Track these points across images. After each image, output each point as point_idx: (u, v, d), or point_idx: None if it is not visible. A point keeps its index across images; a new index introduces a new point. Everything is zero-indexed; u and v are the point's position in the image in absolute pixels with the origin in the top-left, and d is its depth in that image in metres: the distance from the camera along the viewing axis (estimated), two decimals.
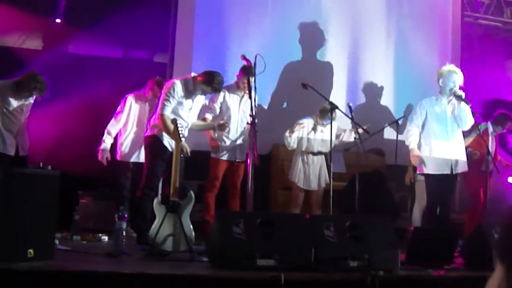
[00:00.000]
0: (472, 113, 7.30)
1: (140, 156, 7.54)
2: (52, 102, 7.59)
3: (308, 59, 9.50)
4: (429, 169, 7.15)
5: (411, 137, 7.24)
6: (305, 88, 7.22)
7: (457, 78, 7.16)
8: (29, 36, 9.48)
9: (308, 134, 7.85)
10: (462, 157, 7.21)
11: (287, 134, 7.79)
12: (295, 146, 7.83)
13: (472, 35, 11.20)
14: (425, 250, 5.72)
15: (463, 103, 7.06)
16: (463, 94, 7.05)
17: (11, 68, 7.81)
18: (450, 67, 7.23)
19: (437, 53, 10.15)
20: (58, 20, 9.30)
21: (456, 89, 7.10)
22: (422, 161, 7.12)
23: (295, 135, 7.78)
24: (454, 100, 7.14)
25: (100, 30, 9.00)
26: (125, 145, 7.70)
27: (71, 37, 9.56)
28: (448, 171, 7.07)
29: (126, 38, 9.65)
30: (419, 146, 7.18)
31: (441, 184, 7.11)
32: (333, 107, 7.22)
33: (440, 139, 7.13)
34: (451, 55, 10.29)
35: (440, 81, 7.19)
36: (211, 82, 6.57)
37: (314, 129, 7.86)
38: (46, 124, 8.17)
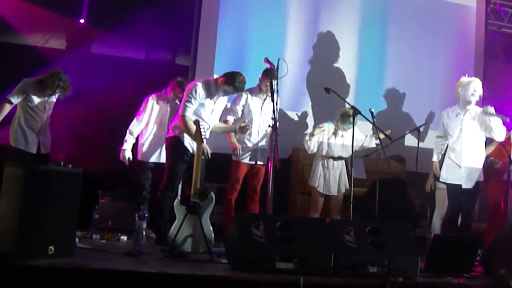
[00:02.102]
0: (502, 117, 7.26)
1: (161, 157, 7.55)
2: (74, 101, 7.63)
3: (330, 63, 9.47)
4: (450, 179, 7.14)
5: (434, 150, 7.46)
6: (328, 92, 7.18)
7: (476, 86, 7.16)
8: (53, 36, 9.55)
9: (328, 138, 7.81)
10: (480, 166, 7.21)
11: (307, 137, 7.76)
12: (315, 150, 7.80)
13: (496, 43, 11.14)
14: (445, 258, 5.68)
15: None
16: (492, 110, 7.06)
17: (34, 67, 7.86)
18: (469, 78, 7.25)
19: (461, 61, 10.09)
20: (81, 21, 9.37)
21: (488, 108, 7.10)
22: (439, 175, 7.27)
23: (315, 139, 7.75)
24: (473, 113, 7.11)
25: (123, 31, 9.04)
26: (146, 145, 7.71)
27: (94, 38, 9.62)
28: (465, 185, 7.08)
29: (149, 39, 9.70)
30: (441, 157, 7.22)
31: (463, 193, 7.09)
32: (356, 112, 7.17)
33: (460, 149, 7.11)
34: (474, 63, 10.24)
35: (460, 89, 7.20)
36: (233, 81, 6.57)
37: (335, 133, 7.83)
38: (68, 123, 8.21)
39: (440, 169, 7.37)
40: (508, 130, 8.25)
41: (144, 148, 7.71)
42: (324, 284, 4.85)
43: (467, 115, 7.16)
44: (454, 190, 7.16)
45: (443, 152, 7.34)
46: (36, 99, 6.94)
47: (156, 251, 5.92)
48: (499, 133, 7.18)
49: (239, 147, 7.31)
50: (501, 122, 7.15)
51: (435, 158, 7.44)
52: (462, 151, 7.13)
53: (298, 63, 9.01)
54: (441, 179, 7.38)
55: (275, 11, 9.33)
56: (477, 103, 7.29)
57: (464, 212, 7.16)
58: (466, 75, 7.33)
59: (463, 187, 7.10)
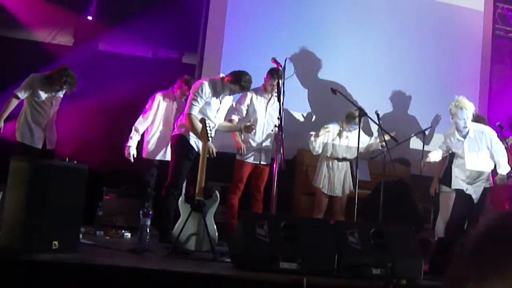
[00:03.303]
0: (500, 126, 7.23)
1: (166, 155, 7.55)
2: (80, 98, 7.65)
3: (336, 65, 9.48)
4: (457, 185, 7.14)
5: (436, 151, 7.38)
6: (334, 93, 7.18)
7: (467, 113, 6.98)
8: (60, 32, 9.56)
9: (333, 139, 7.81)
10: (488, 170, 7.19)
11: (312, 138, 7.76)
12: (320, 150, 7.80)
13: (503, 48, 11.13)
14: (448, 262, 5.65)
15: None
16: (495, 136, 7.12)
17: (41, 63, 7.89)
18: (458, 102, 6.99)
19: (467, 65, 10.09)
20: (89, 18, 9.39)
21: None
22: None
23: (320, 140, 7.74)
24: (472, 134, 7.08)
25: (131, 29, 9.05)
26: (151, 143, 7.72)
27: (102, 35, 9.63)
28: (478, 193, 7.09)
29: (156, 38, 9.71)
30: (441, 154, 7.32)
31: (469, 201, 7.09)
32: (362, 113, 7.16)
33: (466, 169, 7.13)
34: (481, 67, 10.23)
35: (451, 118, 7.09)
36: (239, 80, 6.57)
37: (340, 134, 7.82)
38: (74, 119, 8.22)
39: (445, 175, 7.37)
40: (509, 135, 8.25)
41: (150, 146, 7.72)
42: (327, 284, 4.86)
43: (468, 140, 7.11)
44: (461, 196, 7.14)
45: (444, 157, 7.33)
46: (43, 95, 6.96)
47: (160, 249, 5.92)
48: (504, 165, 7.17)
49: (244, 146, 7.32)
50: (503, 152, 7.14)
51: (433, 155, 7.33)
52: (467, 173, 7.13)
53: (305, 63, 9.00)
54: (448, 188, 7.38)
55: (282, 10, 9.34)
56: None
57: (471, 217, 7.13)
58: (455, 97, 7.08)
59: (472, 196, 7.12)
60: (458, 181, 7.15)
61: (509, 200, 7.92)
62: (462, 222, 7.13)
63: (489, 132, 7.13)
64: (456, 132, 7.16)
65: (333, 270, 5.10)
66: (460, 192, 7.14)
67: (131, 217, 7.57)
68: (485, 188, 7.21)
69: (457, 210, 7.19)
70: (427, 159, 7.29)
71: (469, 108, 7.04)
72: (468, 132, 7.06)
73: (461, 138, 7.10)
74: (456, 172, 7.18)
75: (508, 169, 7.23)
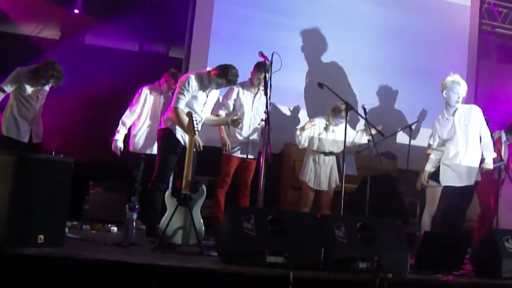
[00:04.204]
0: (487, 120, 7.25)
1: (153, 148, 7.53)
2: (67, 91, 7.61)
3: (323, 59, 9.49)
4: (447, 182, 7.13)
5: (429, 161, 7.33)
6: (321, 87, 7.15)
7: (461, 89, 7.07)
8: (47, 26, 9.52)
9: (319, 133, 7.82)
10: (476, 165, 7.14)
11: (298, 132, 7.77)
12: (306, 144, 7.81)
13: (489, 43, 11.17)
14: (434, 255, 5.68)
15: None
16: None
17: (28, 57, 7.83)
18: (454, 77, 7.10)
19: (454, 60, 10.11)
20: (76, 11, 9.34)
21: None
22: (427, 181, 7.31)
23: (306, 134, 7.75)
24: (461, 110, 7.08)
25: (117, 22, 9.02)
26: (138, 136, 7.71)
27: (88, 28, 9.60)
28: (465, 183, 7.05)
29: (143, 31, 9.68)
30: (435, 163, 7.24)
31: (458, 195, 7.08)
32: (349, 107, 7.16)
33: (455, 152, 7.09)
34: (467, 62, 10.27)
35: (444, 92, 7.12)
36: (226, 74, 6.56)
37: (326, 128, 7.83)
38: (61, 113, 8.18)
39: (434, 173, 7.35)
40: (498, 129, 8.29)
41: (136, 140, 7.71)
42: (314, 278, 4.85)
43: (457, 114, 7.12)
44: (449, 190, 7.13)
45: (438, 164, 7.27)
46: (29, 88, 6.93)
47: (146, 243, 5.90)
48: (488, 146, 7.18)
49: (229, 143, 7.31)
50: (489, 133, 7.15)
51: (428, 168, 7.29)
52: (459, 149, 7.08)
53: (292, 57, 9.00)
54: (435, 183, 7.31)
55: (270, 4, 9.34)
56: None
57: (458, 211, 7.11)
58: (451, 73, 7.21)
59: (464, 184, 7.03)
60: (449, 173, 7.10)
61: (494, 195, 7.97)
62: (448, 216, 7.12)
63: (477, 109, 7.13)
64: (444, 111, 7.17)
65: (319, 264, 5.09)
66: (448, 188, 7.11)
67: (118, 211, 7.55)
68: (471, 185, 7.15)
69: (444, 204, 7.19)
70: (426, 174, 7.29)
71: (464, 86, 7.11)
72: (457, 109, 7.08)
73: (450, 116, 7.10)
74: (446, 170, 7.13)
75: (494, 155, 7.24)
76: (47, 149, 6.83)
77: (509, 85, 10.85)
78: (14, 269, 4.30)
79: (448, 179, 7.09)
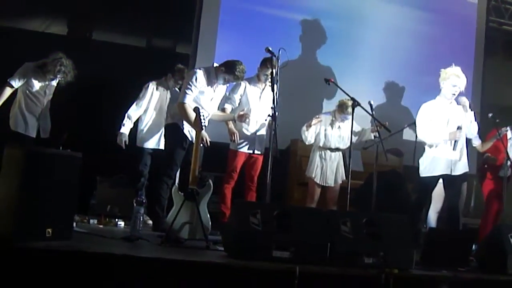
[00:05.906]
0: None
1: (160, 143, 7.56)
2: (74, 87, 7.63)
3: (330, 55, 9.49)
4: (428, 171, 7.08)
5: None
6: (328, 83, 7.16)
7: (459, 82, 6.96)
8: (54, 21, 9.53)
9: (325, 129, 7.81)
10: (463, 157, 7.00)
11: (304, 128, 7.77)
12: (312, 140, 7.80)
13: (496, 40, 11.16)
14: (440, 251, 5.70)
15: (468, 111, 7.00)
16: (467, 103, 7.02)
17: (35, 52, 7.84)
18: (454, 70, 6.99)
19: (461, 56, 10.08)
20: (83, 7, 9.35)
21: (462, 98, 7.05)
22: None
23: (312, 130, 7.74)
24: (455, 103, 7.04)
25: (125, 18, 9.03)
26: (145, 131, 7.72)
27: (96, 24, 9.61)
28: (447, 172, 6.95)
29: (150, 27, 9.70)
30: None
31: (445, 186, 7.04)
32: (355, 103, 7.15)
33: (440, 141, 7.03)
34: (474, 58, 10.26)
35: (442, 82, 7.06)
36: (233, 70, 6.58)
37: (332, 124, 7.83)
38: (68, 108, 8.19)
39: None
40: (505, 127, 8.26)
41: (143, 134, 7.72)
42: (320, 273, 4.87)
43: (446, 106, 7.04)
44: (429, 181, 7.09)
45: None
46: (36, 84, 6.97)
47: (153, 237, 5.93)
48: (473, 129, 7.09)
49: (237, 133, 7.28)
50: (473, 117, 7.08)
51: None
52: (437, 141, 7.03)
53: (299, 53, 9.01)
54: (422, 174, 7.18)
55: (277, 0, 9.35)
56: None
57: (450, 207, 7.05)
58: (453, 64, 7.11)
59: (458, 173, 6.94)
60: (435, 162, 7.05)
61: (499, 192, 7.94)
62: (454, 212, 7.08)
63: (465, 100, 7.12)
64: (439, 97, 7.11)
65: (325, 259, 5.12)
66: (449, 179, 7.03)
67: (125, 206, 7.58)
68: (462, 175, 7.04)
69: (425, 198, 7.16)
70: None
71: (464, 80, 7.00)
72: (449, 102, 7.02)
73: (443, 103, 7.05)
74: (434, 159, 7.05)
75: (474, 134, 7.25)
76: (54, 144, 6.86)
77: None
78: (22, 262, 4.32)
79: (432, 168, 7.01)
